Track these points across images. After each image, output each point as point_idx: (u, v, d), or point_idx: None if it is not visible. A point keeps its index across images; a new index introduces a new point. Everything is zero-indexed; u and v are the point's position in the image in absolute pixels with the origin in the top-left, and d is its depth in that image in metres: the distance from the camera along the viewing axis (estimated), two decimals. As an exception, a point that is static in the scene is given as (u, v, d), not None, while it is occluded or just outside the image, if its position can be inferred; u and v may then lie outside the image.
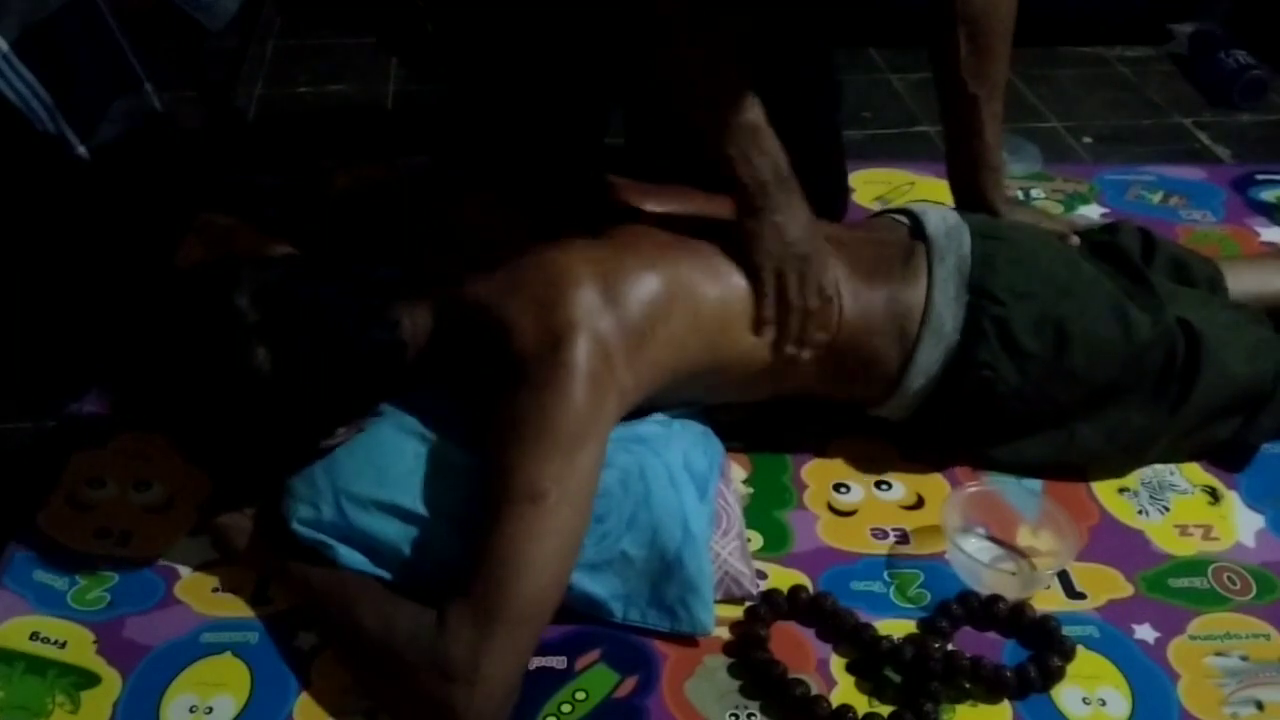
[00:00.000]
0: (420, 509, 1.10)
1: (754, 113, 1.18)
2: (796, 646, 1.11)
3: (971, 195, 1.38)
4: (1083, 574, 1.20)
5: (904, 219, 1.32)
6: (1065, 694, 1.07)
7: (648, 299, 1.12)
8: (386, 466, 1.11)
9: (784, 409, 1.31)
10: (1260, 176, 1.92)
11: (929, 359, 1.22)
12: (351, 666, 1.07)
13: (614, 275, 1.11)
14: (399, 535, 1.10)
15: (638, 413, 1.18)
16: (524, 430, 1.03)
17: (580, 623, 1.12)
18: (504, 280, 1.12)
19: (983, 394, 1.23)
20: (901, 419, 1.29)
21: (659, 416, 1.21)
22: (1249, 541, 1.25)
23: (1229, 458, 1.33)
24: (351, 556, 1.11)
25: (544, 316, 1.07)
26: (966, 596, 1.15)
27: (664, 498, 1.11)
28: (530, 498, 1.00)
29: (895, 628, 1.13)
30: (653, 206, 1.26)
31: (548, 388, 1.04)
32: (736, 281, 1.18)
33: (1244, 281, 1.42)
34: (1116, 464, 1.31)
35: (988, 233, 1.27)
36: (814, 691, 1.06)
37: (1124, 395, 1.26)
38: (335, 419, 1.12)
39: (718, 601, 1.13)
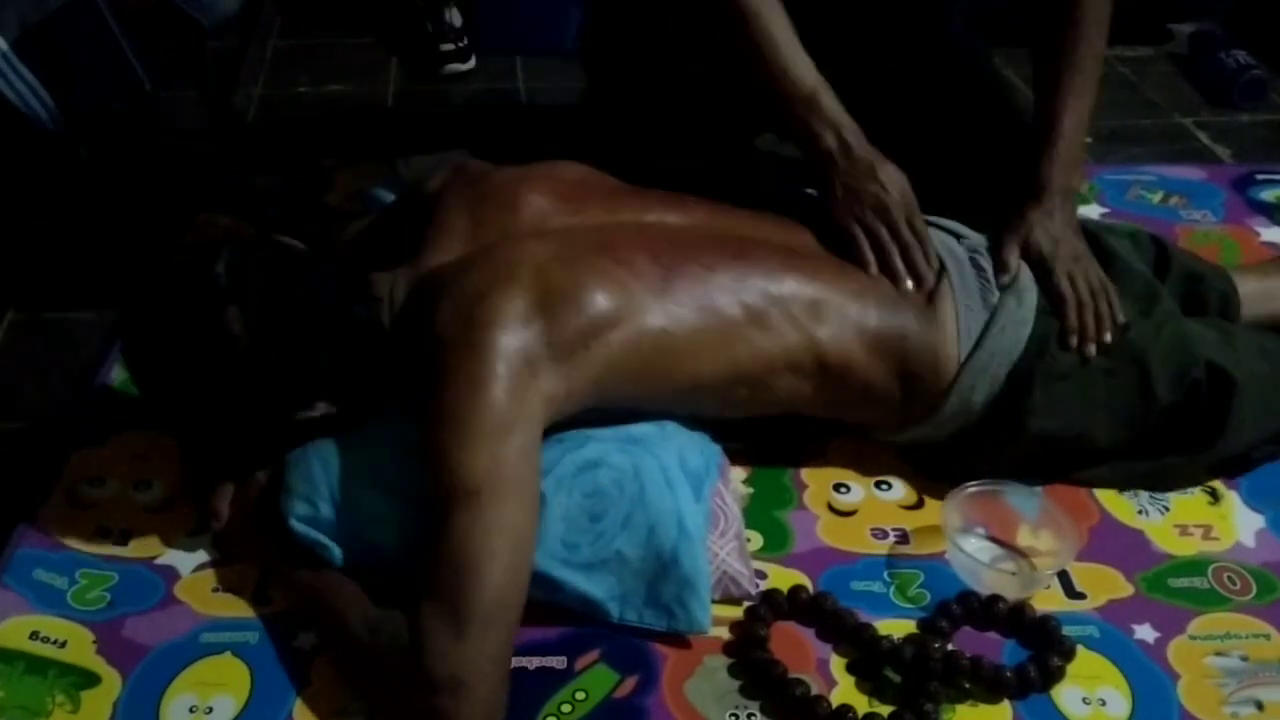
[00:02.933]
0: (417, 506, 1.09)
1: (810, 80, 1.24)
2: (796, 646, 1.11)
3: (1028, 167, 1.32)
4: (1083, 574, 1.20)
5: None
6: (1065, 694, 1.07)
7: (586, 318, 1.09)
8: (383, 463, 1.12)
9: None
10: (1260, 176, 1.92)
11: (939, 428, 1.24)
12: (344, 672, 1.06)
13: (557, 287, 1.09)
14: (395, 532, 1.10)
15: (630, 417, 1.18)
16: (445, 427, 1.02)
17: (580, 623, 1.12)
18: (456, 272, 1.12)
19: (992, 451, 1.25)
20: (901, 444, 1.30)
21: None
22: (1249, 541, 1.25)
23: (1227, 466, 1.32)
24: (347, 557, 1.11)
25: (467, 305, 1.07)
26: (966, 596, 1.15)
27: (659, 497, 1.11)
28: (464, 496, 0.99)
29: (895, 628, 1.13)
30: (643, 214, 1.25)
31: (463, 378, 1.03)
32: (691, 312, 1.14)
33: (1249, 288, 1.41)
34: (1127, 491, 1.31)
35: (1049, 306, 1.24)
36: (814, 691, 1.05)
37: (1138, 446, 1.27)
38: (312, 391, 1.12)
39: (716, 602, 1.13)
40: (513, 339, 1.05)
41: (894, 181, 1.26)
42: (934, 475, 1.29)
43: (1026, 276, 1.26)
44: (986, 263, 1.26)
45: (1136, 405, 1.24)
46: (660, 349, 1.13)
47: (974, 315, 1.22)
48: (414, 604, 1.00)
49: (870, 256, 1.23)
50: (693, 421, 1.25)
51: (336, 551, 1.10)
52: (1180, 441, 1.26)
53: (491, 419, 1.02)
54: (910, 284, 1.23)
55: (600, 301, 1.10)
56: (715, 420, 1.26)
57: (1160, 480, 1.29)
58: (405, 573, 1.09)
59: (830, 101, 1.26)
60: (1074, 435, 1.24)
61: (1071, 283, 1.24)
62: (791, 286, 1.19)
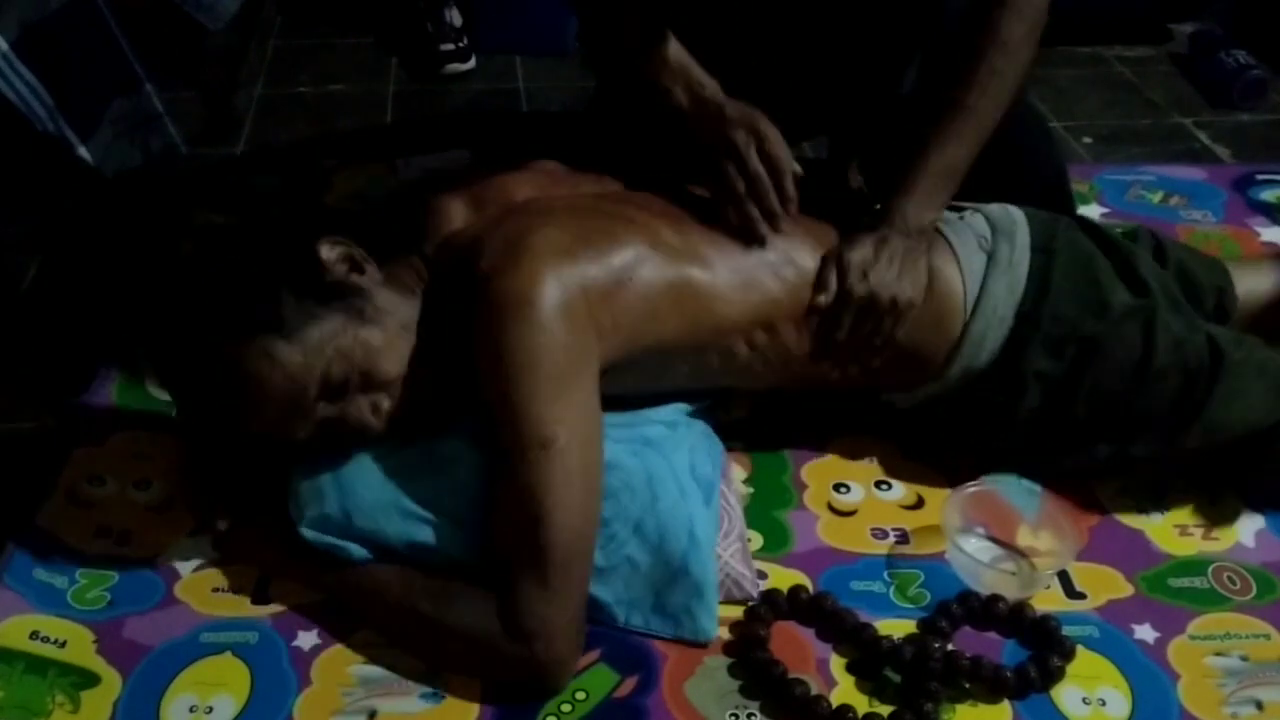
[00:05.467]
0: (426, 509, 1.10)
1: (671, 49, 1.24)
2: (796, 646, 1.11)
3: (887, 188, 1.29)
4: (1083, 574, 1.20)
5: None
6: (1065, 694, 1.07)
7: (620, 258, 1.12)
8: (391, 468, 1.11)
9: (784, 408, 1.31)
10: (1260, 176, 1.92)
11: (952, 374, 1.24)
12: (419, 653, 1.08)
13: (592, 227, 1.13)
14: (405, 537, 1.10)
15: (650, 401, 1.19)
16: (514, 376, 1.02)
17: (580, 623, 1.12)
18: (485, 228, 1.14)
19: (996, 413, 1.24)
20: (907, 407, 1.30)
21: (665, 415, 1.21)
22: (1249, 541, 1.25)
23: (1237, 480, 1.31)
24: (363, 554, 1.10)
25: (511, 242, 1.08)
26: (966, 596, 1.15)
27: (671, 504, 1.11)
28: (540, 444, 1.01)
29: (895, 628, 1.13)
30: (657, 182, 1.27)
31: (523, 318, 1.03)
32: (712, 252, 1.18)
33: (1245, 282, 1.41)
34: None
35: (1044, 243, 1.24)
36: (814, 691, 1.06)
37: (1134, 413, 1.25)
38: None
39: (719, 603, 1.13)
40: (560, 268, 1.06)
41: (744, 118, 1.24)
42: (928, 446, 1.30)
43: (1017, 219, 1.26)
44: (978, 221, 1.27)
45: (1134, 363, 1.21)
46: (687, 290, 1.16)
47: (973, 262, 1.24)
48: (492, 564, 1.03)
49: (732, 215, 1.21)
50: (704, 415, 1.25)
51: (353, 549, 1.10)
52: (1162, 417, 1.24)
53: (558, 359, 1.03)
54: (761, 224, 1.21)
55: (632, 240, 1.13)
56: (728, 390, 1.26)
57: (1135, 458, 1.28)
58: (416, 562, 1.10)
59: (695, 70, 1.25)
60: (1070, 386, 1.22)
61: (850, 301, 1.20)
62: (793, 239, 1.22)
